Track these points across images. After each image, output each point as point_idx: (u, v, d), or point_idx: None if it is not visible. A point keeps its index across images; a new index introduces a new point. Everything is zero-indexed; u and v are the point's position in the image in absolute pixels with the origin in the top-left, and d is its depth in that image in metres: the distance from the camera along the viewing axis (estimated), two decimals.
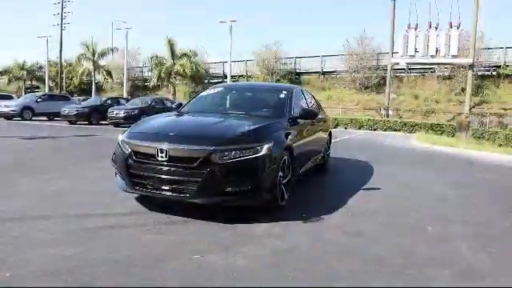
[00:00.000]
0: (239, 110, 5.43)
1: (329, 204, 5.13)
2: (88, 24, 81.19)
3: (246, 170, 4.04)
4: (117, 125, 18.25)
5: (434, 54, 21.61)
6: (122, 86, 35.32)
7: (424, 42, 21.77)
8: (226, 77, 34.49)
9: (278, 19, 67.75)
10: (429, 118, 24.48)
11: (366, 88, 30.60)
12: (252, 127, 4.46)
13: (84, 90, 39.67)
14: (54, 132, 14.41)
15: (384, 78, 30.36)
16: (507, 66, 26.12)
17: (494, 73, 27.00)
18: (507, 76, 26.37)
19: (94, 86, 34.56)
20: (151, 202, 4.58)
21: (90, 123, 19.02)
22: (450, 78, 27.73)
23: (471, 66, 21.68)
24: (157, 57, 28.17)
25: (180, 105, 6.06)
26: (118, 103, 20.44)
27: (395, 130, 21.41)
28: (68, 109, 19.18)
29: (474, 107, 23.68)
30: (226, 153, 3.98)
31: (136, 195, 4.76)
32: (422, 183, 7.00)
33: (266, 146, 4.13)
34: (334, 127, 24.88)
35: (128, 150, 4.31)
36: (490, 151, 12.64)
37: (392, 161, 9.75)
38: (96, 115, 19.29)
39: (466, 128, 21.39)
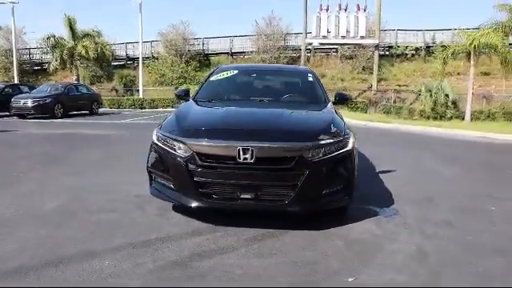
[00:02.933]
0: (270, 96, 4.66)
1: (369, 193, 4.76)
2: None
3: (340, 166, 3.43)
4: (23, 116, 15.48)
5: (345, 34, 22.53)
6: (6, 70, 30.21)
7: (335, 24, 22.52)
8: (129, 59, 31.84)
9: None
10: None
11: None
12: (327, 117, 3.83)
13: None
14: None
15: (293, 58, 31.13)
16: (398, 46, 28.66)
17: (388, 52, 29.42)
18: (398, 55, 28.98)
19: None
20: (198, 214, 3.63)
21: None
22: (351, 57, 29.44)
23: (377, 47, 23.19)
24: (54, 37, 24.39)
25: (187, 92, 4.96)
26: (20, 91, 17.24)
27: None
28: None
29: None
30: (322, 149, 3.31)
31: (168, 204, 3.84)
32: (415, 162, 7.11)
33: (352, 138, 3.57)
34: None
35: (185, 152, 3.33)
36: (421, 126, 13.62)
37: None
38: None
39: (375, 104, 23.06)
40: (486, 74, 24.74)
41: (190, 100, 4.67)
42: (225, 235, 3.29)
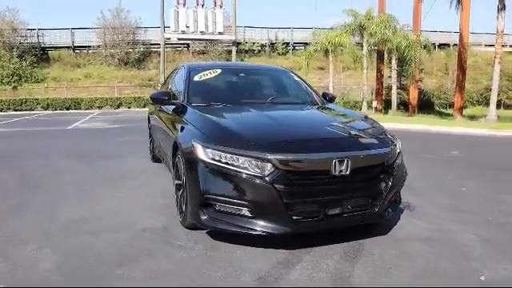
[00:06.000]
0: (263, 98, 4.30)
1: None
2: None
3: (401, 169, 3.38)
4: None
5: (204, 30, 22.36)
6: None
7: (194, 19, 22.13)
8: None
9: None
10: None
11: (126, 64, 28.78)
12: (372, 121, 3.74)
13: None
14: None
15: (144, 54, 29.55)
16: (247, 42, 30.24)
17: (237, 48, 30.59)
18: (247, 51, 30.57)
19: None
20: (254, 241, 3.03)
21: None
22: (204, 52, 29.65)
23: (234, 42, 23.76)
24: None
25: (169, 95, 4.14)
26: None
27: None
28: None
29: None
30: (392, 153, 3.21)
31: (198, 234, 3.22)
32: None
33: (398, 141, 3.56)
34: (117, 107, 22.61)
35: (263, 170, 2.76)
36: None
37: None
38: None
39: None
40: (322, 68, 28.13)
41: (186, 104, 3.88)
42: (316, 259, 2.86)
